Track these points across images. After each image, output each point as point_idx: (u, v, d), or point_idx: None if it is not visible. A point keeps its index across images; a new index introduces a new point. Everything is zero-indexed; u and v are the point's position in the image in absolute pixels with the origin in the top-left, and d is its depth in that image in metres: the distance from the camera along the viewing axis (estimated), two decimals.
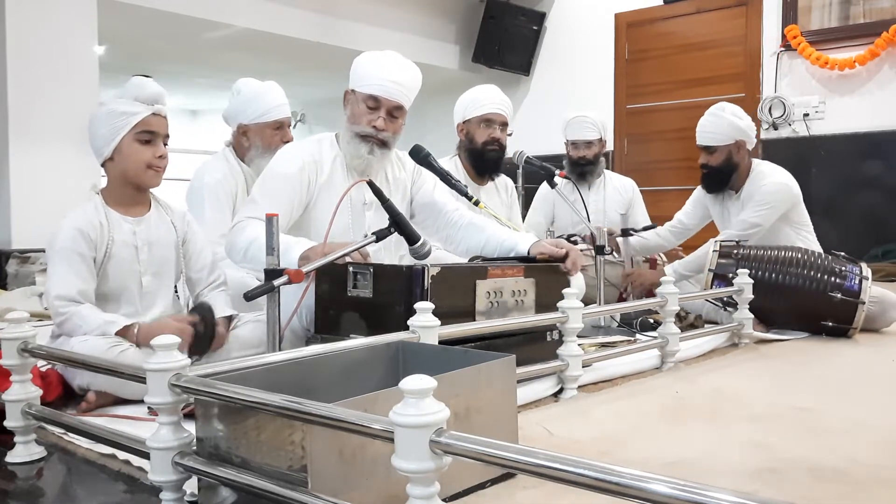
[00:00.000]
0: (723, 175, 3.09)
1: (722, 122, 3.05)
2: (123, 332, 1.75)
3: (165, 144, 1.91)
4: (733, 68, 5.45)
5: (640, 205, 3.77)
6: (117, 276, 1.86)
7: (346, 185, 2.01)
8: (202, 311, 1.84)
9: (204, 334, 1.80)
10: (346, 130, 2.15)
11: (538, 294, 1.92)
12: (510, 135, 2.97)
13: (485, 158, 2.88)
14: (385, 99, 2.09)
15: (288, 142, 2.65)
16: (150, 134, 1.86)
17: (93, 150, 1.90)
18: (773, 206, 3.01)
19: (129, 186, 1.90)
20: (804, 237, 3.12)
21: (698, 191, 3.31)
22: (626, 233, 2.95)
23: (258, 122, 2.65)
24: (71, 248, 1.79)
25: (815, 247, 3.08)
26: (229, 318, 1.95)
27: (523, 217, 3.58)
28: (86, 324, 1.74)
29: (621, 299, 3.14)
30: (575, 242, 3.16)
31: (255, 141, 2.65)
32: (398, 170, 2.26)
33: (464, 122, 2.92)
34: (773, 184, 3.03)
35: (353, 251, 1.75)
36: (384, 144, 2.12)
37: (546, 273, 1.97)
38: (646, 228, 3.36)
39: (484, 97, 2.90)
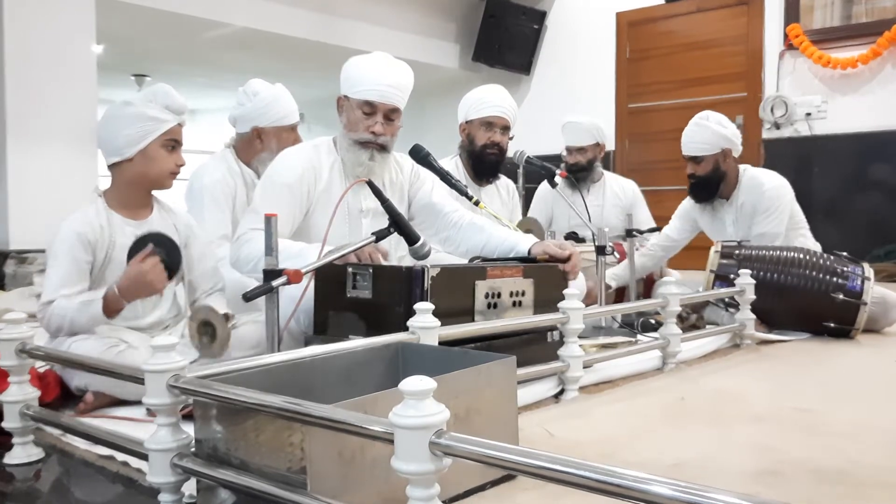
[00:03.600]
0: (711, 184, 3.08)
1: (707, 132, 3.03)
2: (107, 305, 1.73)
3: None
4: (735, 67, 5.44)
5: (643, 207, 3.75)
6: (118, 279, 1.85)
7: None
8: (147, 240, 1.77)
9: (167, 253, 1.76)
10: (344, 138, 2.14)
11: (537, 294, 1.91)
12: (512, 138, 2.95)
13: (483, 162, 2.86)
14: (381, 104, 2.08)
15: (298, 143, 2.64)
16: (175, 142, 1.92)
17: (107, 148, 1.88)
18: (781, 209, 3.01)
19: (141, 189, 1.91)
20: (802, 235, 3.12)
21: (684, 204, 3.29)
22: (629, 234, 2.94)
23: (276, 125, 2.64)
24: (67, 253, 1.78)
25: (813, 246, 3.08)
26: (226, 317, 1.94)
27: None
28: (66, 314, 1.73)
29: (621, 300, 3.13)
30: (582, 240, 3.15)
31: (269, 143, 2.63)
32: (396, 173, 2.25)
33: (466, 122, 2.90)
34: (773, 188, 3.03)
35: (352, 251, 1.75)
36: (383, 149, 2.12)
37: (545, 273, 1.97)
38: (651, 230, 3.35)
39: (487, 99, 2.87)
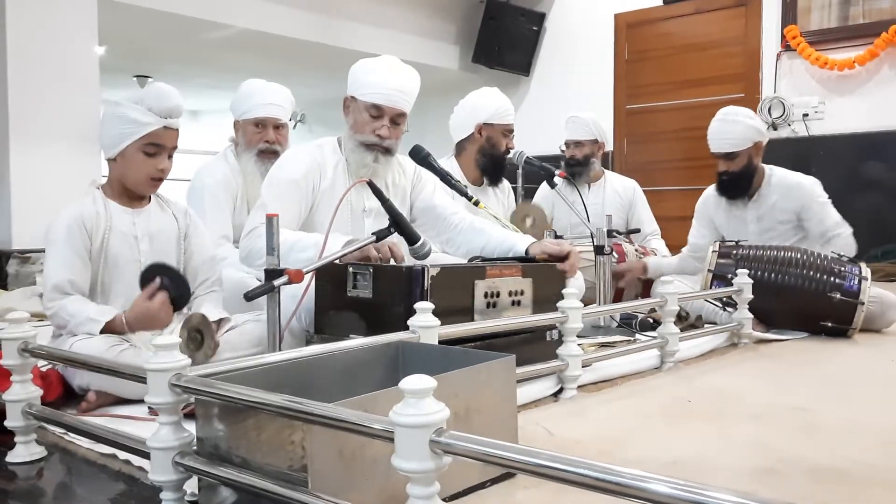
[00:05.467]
0: (744, 180, 3.04)
1: (739, 126, 3.00)
2: (110, 327, 1.74)
3: (170, 156, 1.90)
4: (733, 69, 5.45)
5: (644, 206, 3.77)
6: (116, 265, 1.86)
7: None
8: (155, 272, 1.78)
9: (175, 287, 1.77)
10: (350, 139, 2.16)
11: (535, 293, 1.93)
12: None
13: (500, 165, 2.95)
14: (388, 107, 2.10)
15: (269, 142, 2.66)
16: (157, 147, 1.85)
17: (101, 144, 1.91)
18: (827, 199, 3.03)
19: (126, 189, 1.91)
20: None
21: (698, 206, 3.25)
22: (609, 234, 2.95)
23: (243, 118, 2.69)
24: (65, 240, 1.79)
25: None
26: (219, 322, 1.93)
27: None
28: (73, 320, 1.74)
29: (619, 299, 3.14)
30: (560, 236, 3.18)
31: (240, 138, 2.70)
32: (398, 175, 2.27)
33: (485, 125, 2.93)
34: (812, 184, 3.03)
35: (353, 251, 1.76)
36: (388, 151, 2.14)
37: (543, 273, 1.98)
38: (630, 232, 3.36)
39: (507, 107, 2.97)
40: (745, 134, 3.00)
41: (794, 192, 3.03)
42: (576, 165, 3.61)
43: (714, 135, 3.05)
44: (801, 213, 3.03)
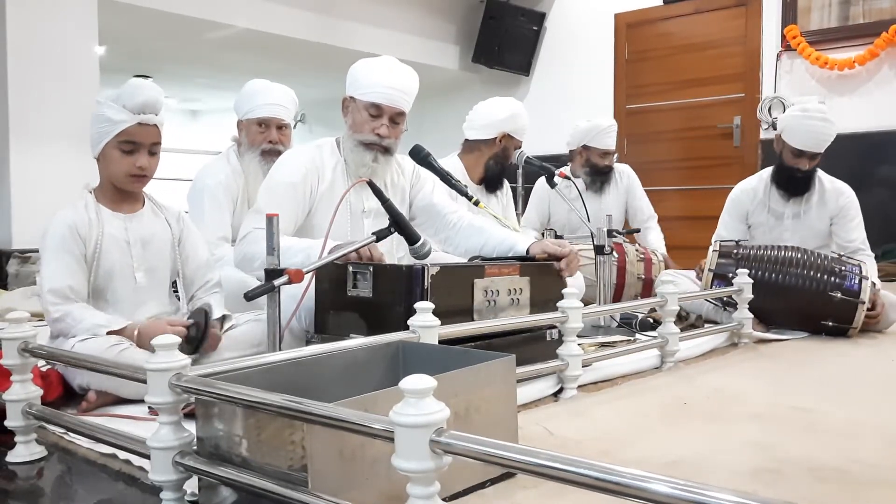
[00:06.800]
0: (812, 178, 3.03)
1: (832, 128, 2.98)
2: (118, 333, 1.74)
3: (154, 153, 1.87)
4: (733, 68, 5.44)
5: (640, 192, 3.80)
6: (109, 270, 1.86)
7: None
8: (197, 317, 1.82)
9: (193, 338, 1.78)
10: (349, 139, 2.16)
11: (533, 292, 1.93)
12: None
13: (504, 176, 3.03)
14: (387, 106, 2.10)
15: (272, 142, 2.67)
16: (132, 144, 1.83)
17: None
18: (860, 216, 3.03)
19: (113, 188, 1.91)
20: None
21: (733, 202, 3.17)
22: (609, 234, 2.95)
23: (247, 118, 2.69)
24: (61, 245, 1.79)
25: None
26: (222, 319, 1.95)
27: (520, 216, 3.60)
28: (78, 325, 1.74)
29: (619, 298, 3.14)
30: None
31: (243, 138, 2.71)
32: (397, 175, 2.27)
33: (507, 136, 2.97)
34: (851, 192, 3.03)
35: (353, 251, 1.76)
36: (387, 151, 2.15)
37: (541, 272, 1.98)
38: (630, 232, 3.37)
39: (526, 126, 3.01)
40: (832, 135, 2.98)
41: (834, 196, 3.02)
42: (609, 172, 3.68)
43: (815, 134, 2.97)
44: (835, 218, 3.02)
